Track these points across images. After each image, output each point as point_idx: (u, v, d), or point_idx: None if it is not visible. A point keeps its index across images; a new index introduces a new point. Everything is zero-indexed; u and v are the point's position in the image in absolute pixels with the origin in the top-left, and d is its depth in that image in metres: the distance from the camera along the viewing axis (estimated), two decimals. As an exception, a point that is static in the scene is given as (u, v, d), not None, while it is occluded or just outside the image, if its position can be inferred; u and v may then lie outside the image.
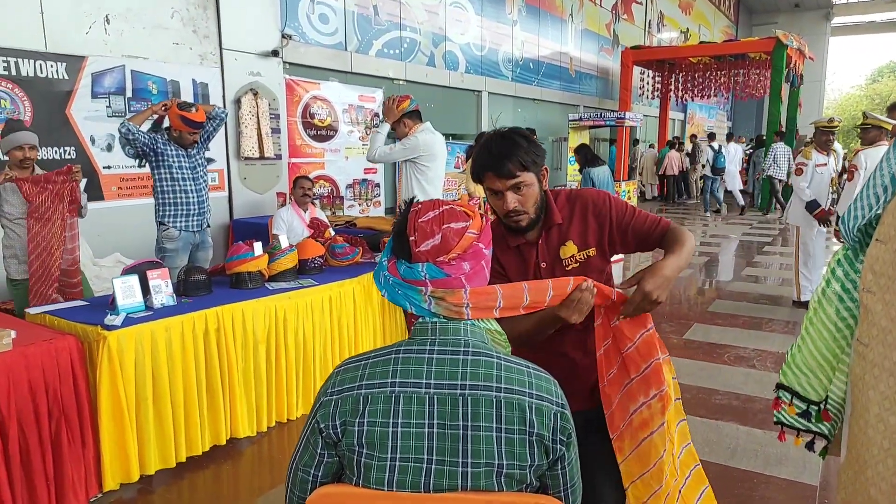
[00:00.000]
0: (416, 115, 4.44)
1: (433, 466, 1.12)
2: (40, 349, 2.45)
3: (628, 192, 12.40)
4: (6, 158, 3.72)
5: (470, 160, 5.99)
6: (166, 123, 4.27)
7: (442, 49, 9.64)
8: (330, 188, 7.79)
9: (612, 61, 15.33)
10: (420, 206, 1.25)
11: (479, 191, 6.88)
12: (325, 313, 3.65)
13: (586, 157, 6.90)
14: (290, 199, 5.26)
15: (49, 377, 2.47)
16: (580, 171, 7.03)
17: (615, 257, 1.75)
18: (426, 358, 1.17)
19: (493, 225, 1.78)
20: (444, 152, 4.49)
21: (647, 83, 15.91)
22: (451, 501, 1.13)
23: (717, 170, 13.43)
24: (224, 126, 6.37)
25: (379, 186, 8.45)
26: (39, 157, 4.69)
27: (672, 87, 16.34)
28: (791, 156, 12.06)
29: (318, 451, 1.17)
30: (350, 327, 3.82)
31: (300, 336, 3.50)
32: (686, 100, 17.18)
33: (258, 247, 3.55)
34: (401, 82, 8.84)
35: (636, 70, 15.16)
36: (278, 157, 7.00)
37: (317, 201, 6.74)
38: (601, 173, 6.87)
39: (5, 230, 3.68)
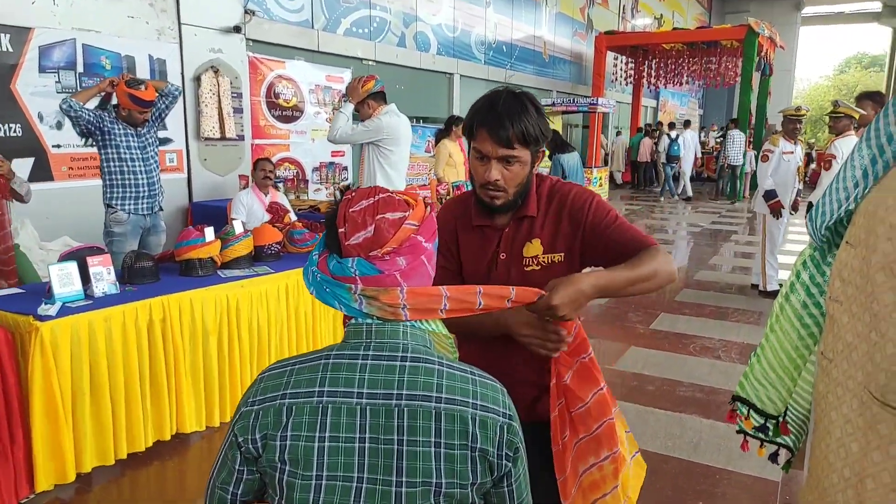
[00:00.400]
0: (380, 97, 4.29)
1: (364, 486, 1.00)
2: (-38, 342, 2.27)
3: (600, 178, 12.38)
4: None
5: (438, 144, 5.80)
6: (115, 101, 4.05)
7: (413, 29, 9.43)
8: (295, 171, 7.58)
9: (585, 46, 15.24)
10: (354, 193, 1.11)
11: (448, 175, 6.75)
12: (282, 302, 3.50)
13: (556, 143, 6.81)
14: (251, 181, 5.06)
15: (-28, 372, 2.29)
16: (549, 157, 6.94)
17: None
18: (359, 364, 1.04)
19: (463, 197, 1.64)
20: (408, 136, 4.35)
21: (621, 69, 15.87)
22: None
23: (672, 157, 13.70)
24: (183, 104, 6.14)
25: (347, 170, 8.25)
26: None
27: (645, 74, 16.33)
28: (744, 142, 12.75)
29: (237, 467, 1.04)
30: (308, 317, 3.68)
31: (254, 326, 3.35)
32: (659, 87, 17.21)
33: (209, 232, 3.38)
34: (370, 63, 8.63)
35: (610, 55, 15.10)
36: (241, 137, 6.77)
37: (280, 185, 6.54)
38: (571, 160, 6.79)
39: None
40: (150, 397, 2.92)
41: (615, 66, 15.83)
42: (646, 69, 16.27)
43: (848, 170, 1.12)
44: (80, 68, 5.32)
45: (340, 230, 1.06)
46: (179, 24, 6.08)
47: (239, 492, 1.05)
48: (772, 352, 1.31)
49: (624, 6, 17.32)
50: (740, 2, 24.57)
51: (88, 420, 2.67)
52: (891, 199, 0.99)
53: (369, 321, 1.08)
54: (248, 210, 4.88)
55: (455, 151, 6.85)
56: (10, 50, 4.84)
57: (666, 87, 17.91)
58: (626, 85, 16.64)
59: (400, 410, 1.00)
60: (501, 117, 1.38)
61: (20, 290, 3.03)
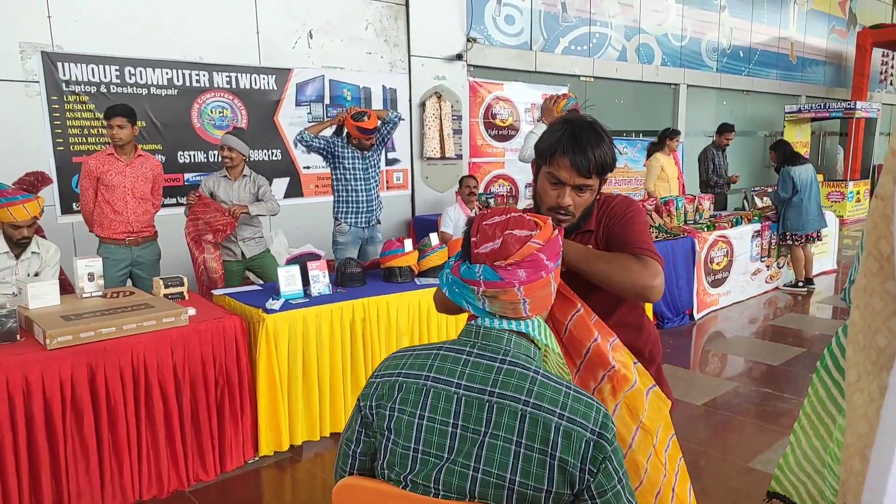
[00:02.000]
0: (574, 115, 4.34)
1: (446, 465, 1.14)
2: (211, 326, 2.88)
3: (857, 193, 10.76)
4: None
5: (650, 158, 5.66)
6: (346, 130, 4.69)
7: (635, 42, 9.21)
8: (508, 187, 7.90)
9: (845, 44, 13.37)
10: (489, 210, 1.26)
11: (659, 190, 6.50)
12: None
13: (785, 154, 6.13)
14: (458, 197, 5.46)
15: (217, 351, 2.88)
16: (776, 170, 6.27)
17: None
18: (463, 359, 1.18)
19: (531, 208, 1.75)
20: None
21: (892, 67, 13.60)
22: (458, 511, 1.14)
23: None
24: (409, 128, 6.81)
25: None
26: (252, 159, 5.45)
27: (927, 71, 13.79)
28: None
29: (357, 428, 1.24)
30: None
31: (443, 330, 3.64)
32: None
33: (408, 243, 3.77)
34: (588, 79, 8.64)
35: (876, 53, 13.04)
36: (459, 156, 7.28)
37: (492, 199, 6.90)
38: (804, 172, 6.06)
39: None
40: (351, 385, 3.35)
41: (884, 63, 13.62)
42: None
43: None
44: (326, 100, 6.22)
45: (472, 239, 1.22)
46: (409, 56, 6.76)
47: (359, 450, 1.25)
48: (805, 440, 1.09)
49: (901, -7, 14.83)
50: None
51: (300, 400, 3.17)
52: None
53: (481, 324, 1.21)
54: (455, 223, 5.26)
55: (668, 165, 6.58)
56: (275, 88, 5.86)
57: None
58: (901, 84, 14.21)
59: (490, 406, 1.12)
60: (584, 148, 1.45)
61: (258, 287, 3.70)
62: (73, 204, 4.86)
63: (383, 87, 6.63)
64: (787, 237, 6.35)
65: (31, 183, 3.10)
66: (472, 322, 1.23)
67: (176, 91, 5.26)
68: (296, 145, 5.98)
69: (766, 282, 6.52)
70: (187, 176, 5.38)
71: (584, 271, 1.46)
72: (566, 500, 1.10)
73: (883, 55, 13.50)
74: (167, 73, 5.19)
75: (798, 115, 10.90)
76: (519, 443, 1.09)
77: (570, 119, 1.54)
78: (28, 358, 2.44)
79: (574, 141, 1.47)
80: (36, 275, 3.27)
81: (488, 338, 1.19)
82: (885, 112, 13.94)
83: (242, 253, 4.30)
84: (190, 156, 5.42)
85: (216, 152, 5.54)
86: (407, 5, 6.63)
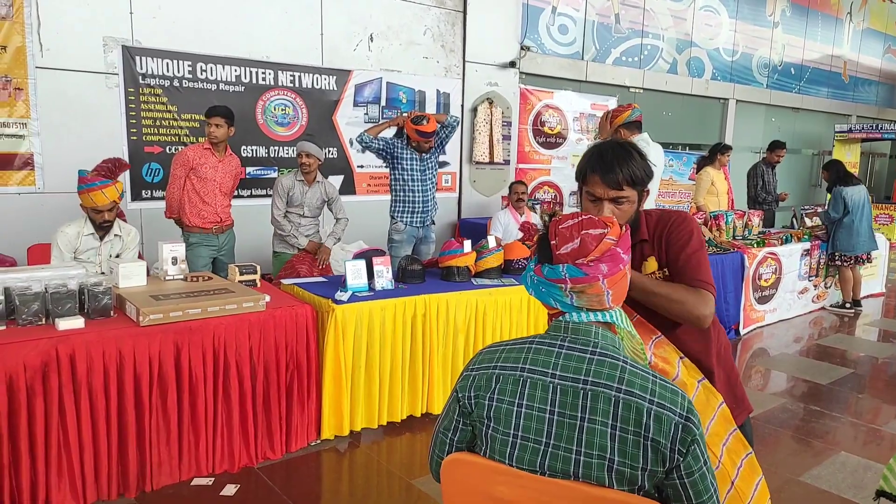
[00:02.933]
0: (635, 126, 4.40)
1: (549, 450, 1.25)
2: (285, 313, 3.03)
3: (907, 217, 10.52)
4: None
5: (700, 171, 5.72)
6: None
7: (686, 55, 9.21)
8: (553, 194, 7.97)
9: (901, 64, 13.13)
10: (563, 216, 1.38)
11: (709, 204, 6.52)
12: (523, 312, 3.85)
13: (838, 174, 6.10)
14: (508, 202, 5.56)
15: (289, 337, 3.03)
16: (828, 189, 6.24)
17: None
18: (556, 351, 1.30)
19: None
20: (659, 164, 4.39)
21: (950, 89, 13.30)
22: (563, 488, 1.25)
23: None
24: (460, 132, 6.94)
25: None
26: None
27: None
28: None
29: (455, 417, 1.36)
30: (545, 328, 3.97)
31: (497, 330, 3.75)
32: None
33: (468, 244, 3.88)
34: (637, 90, 8.67)
35: (934, 74, 12.78)
36: (507, 162, 7.38)
37: (537, 206, 6.98)
38: (856, 194, 6.02)
39: (287, 217, 4.53)
40: (408, 378, 3.48)
41: (942, 85, 13.32)
42: None
43: None
44: (382, 102, 6.39)
45: (552, 242, 1.34)
46: (464, 62, 6.89)
47: (455, 438, 1.37)
48: None
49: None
50: None
51: (362, 388, 3.31)
52: None
53: (569, 320, 1.32)
54: (505, 228, 5.37)
55: (718, 180, 6.59)
56: (335, 88, 6.04)
57: None
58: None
59: (584, 393, 1.23)
60: (611, 163, 1.60)
61: (324, 279, 3.85)
62: (143, 191, 5.10)
63: (437, 91, 6.77)
64: (837, 257, 6.30)
65: (110, 169, 3.30)
66: (560, 318, 1.34)
67: (243, 88, 5.47)
68: (351, 144, 6.18)
69: (813, 301, 6.47)
70: (249, 169, 5.59)
71: (643, 301, 1.63)
72: (659, 477, 1.21)
73: (940, 77, 13.21)
74: (236, 71, 5.41)
75: (848, 134, 10.73)
76: (615, 426, 1.20)
77: (598, 143, 1.71)
78: (122, 333, 2.62)
79: (601, 158, 1.63)
80: (117, 256, 3.47)
81: (577, 331, 1.30)
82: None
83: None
84: (252, 150, 5.63)
85: (277, 148, 5.75)
86: (465, 12, 6.77)
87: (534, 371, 1.28)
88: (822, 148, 11.65)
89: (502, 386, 1.29)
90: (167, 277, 3.22)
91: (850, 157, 10.92)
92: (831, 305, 6.64)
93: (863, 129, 10.86)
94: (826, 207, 6.33)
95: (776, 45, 10.53)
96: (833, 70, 11.76)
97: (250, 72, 5.49)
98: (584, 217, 1.34)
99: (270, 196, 4.66)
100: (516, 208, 5.46)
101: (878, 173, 13.23)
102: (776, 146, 7.45)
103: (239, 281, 3.34)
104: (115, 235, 3.50)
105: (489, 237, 4.08)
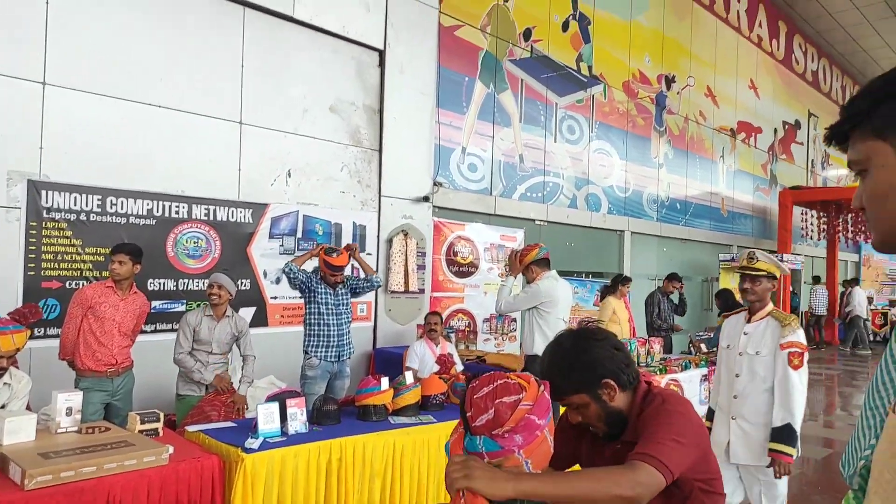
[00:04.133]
0: (543, 263, 4.69)
1: None
2: (190, 465, 2.85)
3: (789, 338, 11.41)
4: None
5: (603, 300, 6.04)
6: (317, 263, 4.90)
7: (584, 191, 10.01)
8: (468, 322, 8.12)
9: (769, 201, 14.79)
10: (477, 381, 1.43)
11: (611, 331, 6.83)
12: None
13: (727, 303, 6.65)
14: (423, 332, 5.62)
15: (193, 493, 2.83)
16: (719, 315, 6.76)
17: None
18: None
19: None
20: (567, 297, 4.64)
21: (811, 223, 15.02)
22: None
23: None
24: (377, 263, 7.06)
25: (515, 321, 8.64)
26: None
27: (840, 228, 15.23)
28: None
29: None
30: (465, 468, 3.91)
31: (415, 473, 3.65)
32: (858, 241, 15.88)
33: (385, 381, 3.86)
34: (542, 223, 9.24)
35: (797, 210, 14.46)
36: (422, 291, 7.52)
37: (452, 335, 7.08)
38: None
39: (192, 355, 4.34)
40: (321, 531, 3.28)
41: (804, 220, 15.05)
42: (841, 223, 15.20)
43: (870, 398, 0.93)
44: (299, 234, 6.46)
45: (468, 413, 1.38)
46: (380, 196, 7.17)
47: None
48: None
49: (812, 160, 16.71)
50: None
51: (271, 545, 3.08)
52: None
53: None
54: (421, 359, 5.38)
55: (620, 308, 6.97)
56: (251, 221, 6.08)
57: (867, 242, 16.45)
58: (820, 239, 15.61)
59: None
60: (551, 376, 1.57)
61: (234, 424, 3.67)
62: (36, 329, 4.78)
63: (354, 223, 6.94)
64: (732, 381, 6.68)
65: (24, 314, 3.14)
66: None
67: (154, 221, 5.40)
68: (265, 276, 6.14)
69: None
70: (155, 303, 5.39)
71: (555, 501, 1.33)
72: None
73: (802, 212, 14.94)
74: (148, 204, 5.36)
75: (731, 263, 11.77)
76: None
77: (550, 346, 1.68)
78: (1, 500, 2.37)
79: (543, 372, 1.61)
80: (2, 406, 3.19)
81: None
82: (807, 263, 15.18)
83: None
84: (160, 283, 5.47)
85: (187, 281, 5.62)
86: (380, 151, 7.14)
87: None
88: (710, 275, 12.66)
89: None
90: (59, 430, 2.98)
91: (734, 283, 11.90)
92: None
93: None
94: (712, 334, 6.80)
95: (662, 182, 11.65)
96: (713, 205, 13.07)
97: (163, 205, 5.46)
98: (498, 382, 1.40)
99: (176, 331, 4.50)
100: (431, 339, 5.52)
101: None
102: (673, 277, 8.04)
103: (139, 431, 3.13)
104: (5, 384, 3.23)
105: (406, 373, 4.08)
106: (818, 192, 14.79)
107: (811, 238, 15.28)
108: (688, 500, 1.57)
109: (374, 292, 7.07)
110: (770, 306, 3.25)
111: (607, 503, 1.33)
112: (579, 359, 1.60)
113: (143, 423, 3.17)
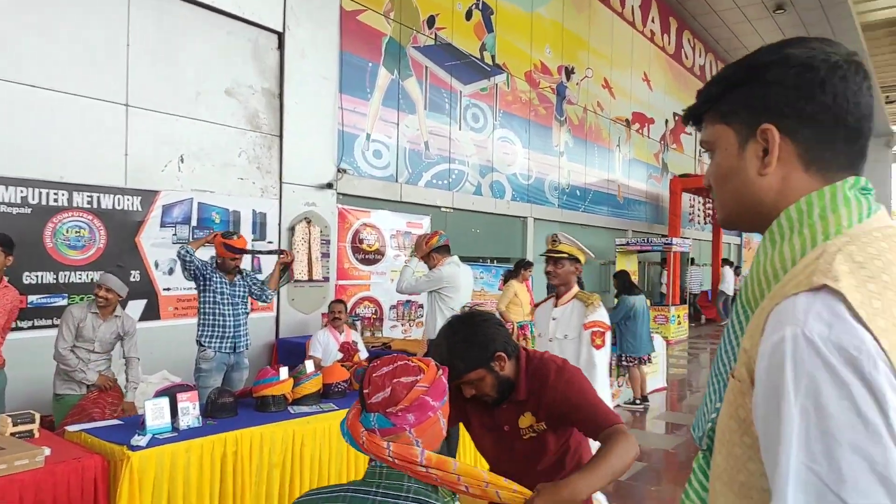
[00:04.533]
0: (444, 250, 4.74)
1: None
2: (69, 467, 2.69)
3: (678, 316, 12.20)
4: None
5: (506, 283, 6.19)
6: (213, 252, 4.72)
7: (489, 179, 10.19)
8: (374, 309, 8.10)
9: (661, 188, 15.65)
10: (378, 361, 1.44)
11: (513, 314, 7.02)
12: (343, 440, 3.77)
13: (624, 284, 7.01)
14: (327, 320, 5.56)
15: (73, 496, 2.67)
16: (616, 297, 7.12)
17: None
18: (370, 500, 1.31)
19: None
20: (468, 283, 4.73)
21: (698, 209, 16.05)
22: None
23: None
24: (277, 252, 6.89)
25: (422, 307, 8.71)
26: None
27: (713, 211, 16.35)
28: None
29: None
30: (364, 457, 3.91)
31: (316, 462, 3.62)
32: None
33: (284, 371, 3.78)
34: (448, 210, 9.34)
35: (685, 196, 15.39)
36: (326, 279, 7.42)
37: (357, 322, 7.04)
38: (638, 302, 6.93)
39: (73, 351, 4.07)
40: (217, 526, 3.19)
41: (691, 205, 16.05)
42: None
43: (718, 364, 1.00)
44: (193, 222, 6.19)
45: (365, 391, 1.39)
46: (281, 183, 6.98)
47: None
48: None
49: (699, 150, 17.82)
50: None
51: (162, 545, 2.96)
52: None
53: (383, 465, 1.36)
54: (324, 348, 5.32)
55: (521, 292, 7.17)
56: (139, 209, 5.75)
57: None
58: (706, 224, 16.72)
59: None
60: (445, 360, 1.71)
61: (120, 422, 3.49)
62: None
63: (254, 210, 6.73)
64: (624, 359, 7.07)
65: None
66: (375, 463, 1.38)
67: (30, 209, 5.01)
68: (157, 266, 5.85)
69: (612, 398, 7.12)
70: (32, 298, 5.01)
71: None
72: None
73: (690, 199, 15.93)
74: (22, 192, 4.96)
75: (626, 247, 12.40)
76: None
77: (443, 333, 1.84)
78: None
79: (443, 358, 1.74)
80: None
81: (392, 477, 1.34)
82: (695, 246, 16.20)
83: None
84: (37, 276, 5.08)
85: (68, 273, 5.26)
86: (281, 136, 6.94)
87: None
88: (608, 258, 13.27)
89: None
90: (-86, 437, 2.72)
91: (630, 265, 12.55)
92: (625, 402, 7.35)
93: (637, 242, 12.61)
94: (615, 312, 7.15)
95: (563, 170, 12.06)
96: (610, 192, 13.68)
97: (39, 192, 5.06)
98: (398, 363, 1.41)
99: (57, 327, 4.20)
100: (335, 327, 5.46)
101: (651, 279, 15.28)
102: (526, 266, 8.18)
103: (11, 434, 2.91)
104: None
105: (307, 362, 4.02)
106: (703, 179, 15.81)
107: (698, 222, 16.33)
108: (570, 439, 1.88)
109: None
110: (575, 289, 3.29)
111: (628, 468, 1.68)
112: (475, 339, 1.78)
113: (15, 424, 2.95)
